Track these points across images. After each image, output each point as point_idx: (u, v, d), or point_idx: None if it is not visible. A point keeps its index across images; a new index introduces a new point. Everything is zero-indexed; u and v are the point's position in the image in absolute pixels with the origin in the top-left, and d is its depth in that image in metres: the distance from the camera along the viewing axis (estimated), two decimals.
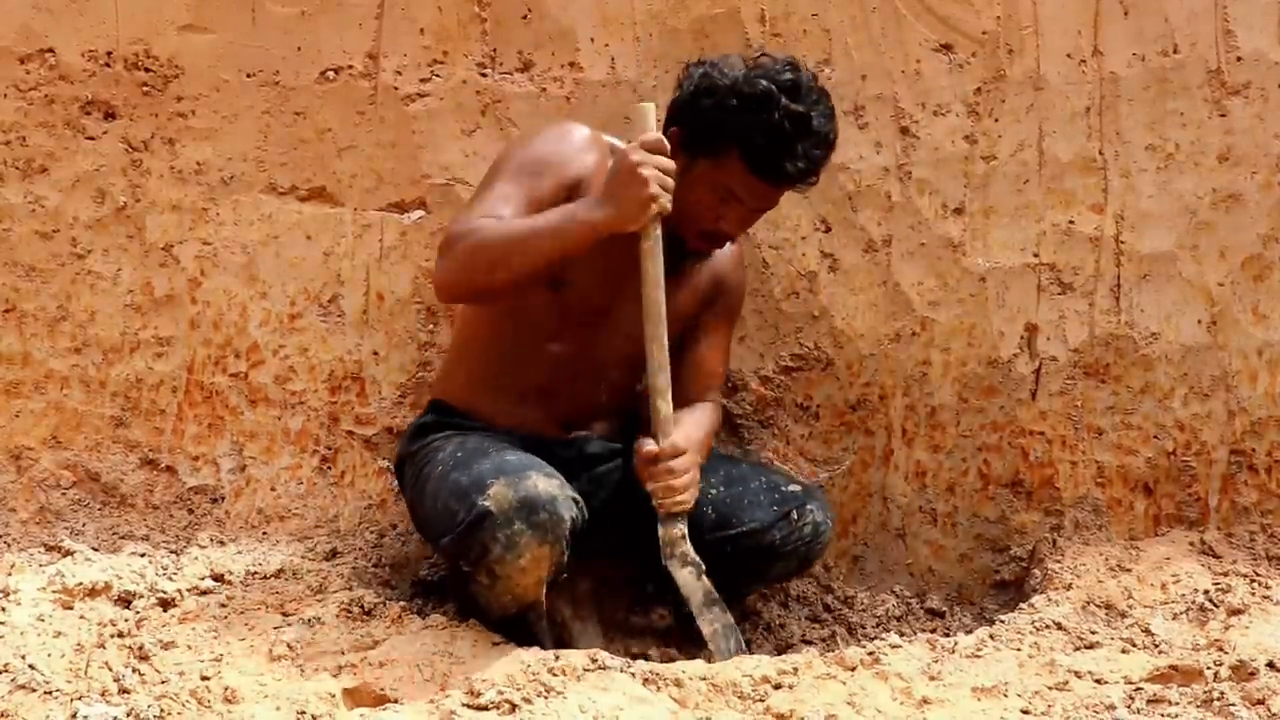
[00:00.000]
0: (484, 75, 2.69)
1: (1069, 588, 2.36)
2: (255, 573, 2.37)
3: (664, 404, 2.16)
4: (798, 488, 2.39)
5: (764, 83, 2.14)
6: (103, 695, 1.79)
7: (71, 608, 2.16)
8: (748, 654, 2.16)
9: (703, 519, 2.29)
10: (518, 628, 2.08)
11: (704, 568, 2.20)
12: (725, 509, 2.33)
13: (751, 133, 2.13)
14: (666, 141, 2.10)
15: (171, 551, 2.52)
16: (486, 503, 1.99)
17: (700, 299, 2.41)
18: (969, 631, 2.33)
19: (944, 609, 2.64)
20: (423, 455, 2.31)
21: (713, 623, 2.19)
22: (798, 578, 2.58)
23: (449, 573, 2.27)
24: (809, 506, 2.34)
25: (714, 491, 2.34)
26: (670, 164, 2.09)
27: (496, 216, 2.13)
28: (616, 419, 2.46)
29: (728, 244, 2.37)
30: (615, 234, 2.08)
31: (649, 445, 2.16)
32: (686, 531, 2.20)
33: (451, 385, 2.43)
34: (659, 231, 2.11)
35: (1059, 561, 2.50)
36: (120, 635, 2.05)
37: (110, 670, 1.90)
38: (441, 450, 2.26)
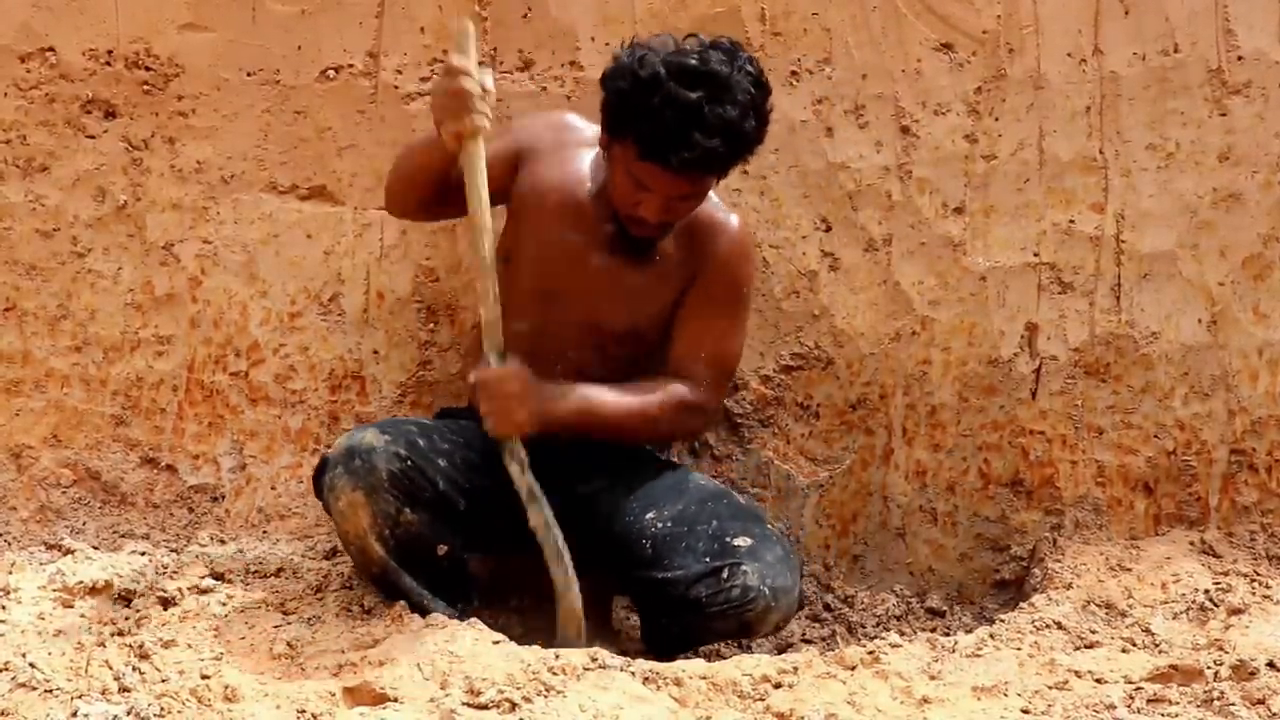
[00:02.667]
0: None
1: (1069, 587, 2.36)
2: (255, 571, 2.38)
3: (485, 309, 2.18)
4: (746, 543, 2.15)
5: (658, 67, 2.09)
6: (103, 694, 1.79)
7: (72, 606, 2.16)
8: (564, 545, 2.14)
9: (639, 553, 2.21)
10: (391, 590, 2.18)
11: (528, 461, 2.15)
12: (660, 548, 2.19)
13: (639, 118, 2.09)
14: (466, 64, 2.08)
15: (172, 550, 2.52)
16: (328, 451, 2.21)
17: (676, 280, 2.34)
18: (969, 631, 2.33)
19: (944, 608, 2.64)
20: None
21: (539, 513, 2.15)
22: (748, 641, 2.40)
23: None
24: (743, 567, 2.10)
25: (659, 526, 2.22)
26: (463, 86, 2.07)
27: None
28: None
29: (730, 225, 2.36)
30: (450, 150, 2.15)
31: (472, 375, 2.19)
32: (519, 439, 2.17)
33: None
34: (477, 145, 2.13)
35: (1059, 561, 2.50)
36: (120, 634, 2.05)
37: (110, 669, 1.90)
38: None
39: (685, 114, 2.06)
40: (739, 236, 2.38)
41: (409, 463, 2.15)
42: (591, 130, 2.35)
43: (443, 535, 2.20)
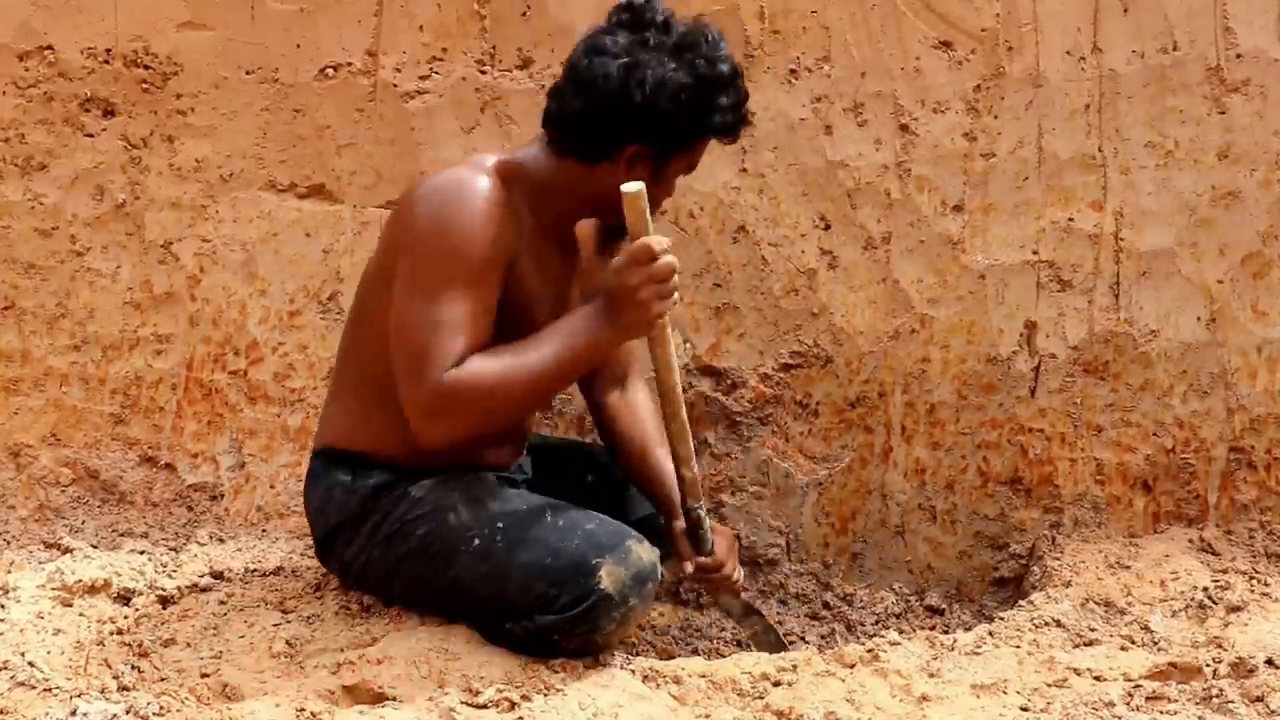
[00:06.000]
0: (483, 73, 2.69)
1: (1068, 585, 2.36)
2: (254, 570, 2.38)
3: (689, 471, 2.17)
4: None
5: (701, 62, 1.99)
6: (102, 692, 1.79)
7: (71, 605, 2.16)
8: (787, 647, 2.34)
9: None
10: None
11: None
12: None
13: (723, 113, 2.03)
14: (660, 243, 1.92)
15: (171, 549, 2.52)
16: (603, 586, 1.92)
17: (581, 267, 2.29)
18: (968, 629, 2.33)
19: (943, 606, 2.64)
20: (420, 522, 2.06)
21: (753, 626, 2.38)
22: None
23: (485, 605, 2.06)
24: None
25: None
26: (667, 267, 1.92)
27: (464, 346, 1.92)
28: (524, 439, 2.33)
29: None
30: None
31: (689, 565, 2.23)
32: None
33: (387, 442, 2.08)
34: (666, 321, 2.01)
35: (1058, 559, 2.50)
36: (119, 632, 2.05)
37: (109, 667, 1.90)
38: (453, 514, 2.04)
39: (738, 79, 2.06)
40: None
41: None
42: (519, 159, 2.13)
43: None
